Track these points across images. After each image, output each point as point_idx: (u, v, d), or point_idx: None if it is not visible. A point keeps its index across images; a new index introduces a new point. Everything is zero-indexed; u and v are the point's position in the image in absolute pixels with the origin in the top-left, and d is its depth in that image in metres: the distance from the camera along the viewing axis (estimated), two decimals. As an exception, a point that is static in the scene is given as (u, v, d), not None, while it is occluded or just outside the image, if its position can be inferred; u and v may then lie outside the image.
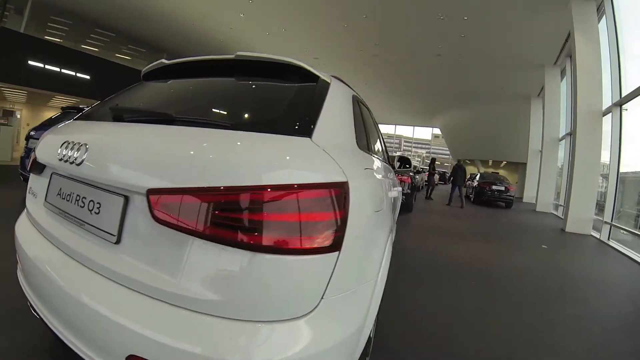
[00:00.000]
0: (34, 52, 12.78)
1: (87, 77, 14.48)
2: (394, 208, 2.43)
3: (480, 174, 15.50)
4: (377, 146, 2.46)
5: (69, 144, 1.22)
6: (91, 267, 1.06)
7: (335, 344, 0.96)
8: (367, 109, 2.32)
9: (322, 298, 0.95)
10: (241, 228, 0.87)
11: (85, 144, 1.15)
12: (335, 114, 1.32)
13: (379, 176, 1.66)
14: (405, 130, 53.49)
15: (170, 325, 0.88)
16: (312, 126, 1.11)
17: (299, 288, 0.91)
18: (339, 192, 0.99)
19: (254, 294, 0.88)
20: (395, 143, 59.67)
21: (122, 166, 1.05)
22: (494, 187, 13.52)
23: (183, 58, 1.62)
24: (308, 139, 1.06)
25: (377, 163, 1.84)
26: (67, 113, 5.44)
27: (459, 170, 11.51)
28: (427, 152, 56.52)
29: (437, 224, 7.47)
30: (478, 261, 4.60)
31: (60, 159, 1.22)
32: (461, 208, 11.18)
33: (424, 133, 58.20)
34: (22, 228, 1.43)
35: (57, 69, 13.53)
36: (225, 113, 1.34)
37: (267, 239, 0.87)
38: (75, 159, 1.15)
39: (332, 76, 1.54)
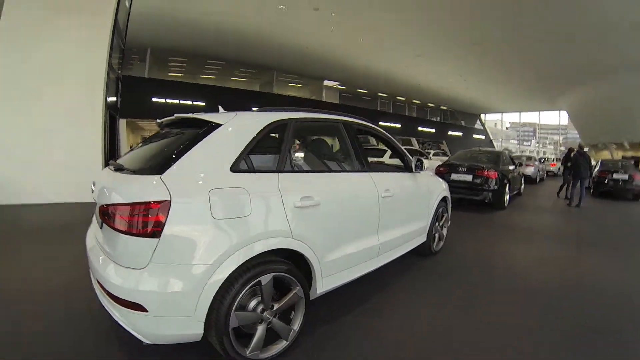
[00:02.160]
0: (156, 91, 15.75)
1: (203, 103, 16.84)
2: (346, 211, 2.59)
3: (600, 161, 12.76)
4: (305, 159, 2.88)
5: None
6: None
7: (164, 289, 1.71)
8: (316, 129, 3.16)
9: (150, 260, 1.70)
10: (121, 224, 1.74)
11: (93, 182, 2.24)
12: (200, 153, 1.93)
13: (258, 189, 2.02)
14: (541, 117, 46.30)
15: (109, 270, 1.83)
16: (166, 167, 1.82)
17: (141, 250, 1.71)
18: (156, 206, 1.70)
19: (124, 255, 1.78)
20: (529, 131, 53.55)
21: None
22: (615, 175, 11.08)
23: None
24: (157, 175, 1.78)
25: (264, 179, 2.12)
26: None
27: (580, 158, 8.78)
28: (564, 139, 47.40)
29: (537, 224, 6.48)
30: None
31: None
32: (577, 206, 8.72)
33: (555, 117, 49.78)
34: (89, 236, 2.31)
35: (177, 101, 16.27)
36: (141, 161, 2.11)
37: (121, 227, 1.73)
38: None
39: (252, 111, 2.29)
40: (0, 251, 4.03)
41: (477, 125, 38.02)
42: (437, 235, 4.19)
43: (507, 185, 7.69)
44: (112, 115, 9.42)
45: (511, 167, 8.60)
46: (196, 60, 18.79)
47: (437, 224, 4.13)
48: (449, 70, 19.82)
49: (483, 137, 36.69)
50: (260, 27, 13.71)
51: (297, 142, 3.39)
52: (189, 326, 1.77)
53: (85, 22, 7.54)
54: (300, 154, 2.88)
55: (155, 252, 1.70)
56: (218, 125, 2.07)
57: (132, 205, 1.71)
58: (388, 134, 3.63)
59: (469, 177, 7.45)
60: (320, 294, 2.38)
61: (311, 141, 3.22)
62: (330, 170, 2.76)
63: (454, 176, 7.61)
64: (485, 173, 7.23)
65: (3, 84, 7.03)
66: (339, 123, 2.88)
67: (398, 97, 28.30)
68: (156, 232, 1.69)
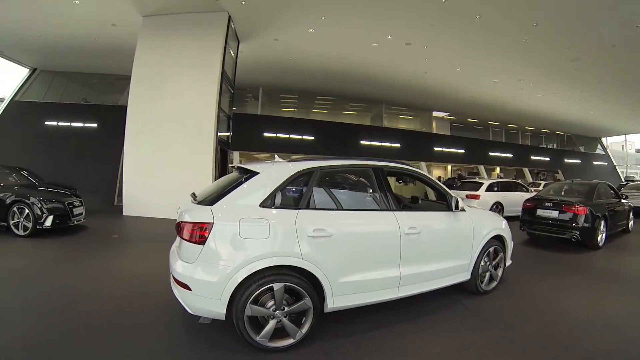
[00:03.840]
0: (268, 126, 17.74)
1: (312, 137, 18.38)
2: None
3: None
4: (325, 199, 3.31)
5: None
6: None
7: (203, 278, 2.59)
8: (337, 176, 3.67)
9: (197, 258, 2.60)
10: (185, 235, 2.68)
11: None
12: (241, 192, 2.82)
13: (277, 220, 2.75)
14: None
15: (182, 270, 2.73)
16: (216, 201, 2.77)
17: (193, 252, 2.62)
18: (205, 225, 2.61)
19: (184, 253, 2.71)
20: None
21: None
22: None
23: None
24: (208, 206, 2.71)
25: (285, 213, 2.82)
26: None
27: None
28: None
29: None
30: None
31: None
32: None
33: None
34: (173, 245, 3.23)
35: (287, 135, 18.03)
36: (206, 195, 3.04)
37: (184, 237, 2.69)
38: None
39: (287, 161, 3.19)
40: (129, 249, 5.99)
41: (599, 150, 32.29)
42: (488, 274, 4.14)
43: (603, 222, 6.83)
44: (223, 150, 11.39)
45: (613, 201, 7.62)
46: (307, 96, 20.26)
47: (487, 263, 4.11)
48: (557, 91, 17.78)
49: (605, 163, 31.13)
50: (363, 64, 14.45)
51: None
52: (216, 306, 2.59)
53: (198, 75, 9.76)
54: (323, 195, 3.33)
55: (200, 254, 2.63)
56: (256, 173, 2.95)
57: (192, 223, 2.67)
58: (426, 174, 3.95)
59: (554, 213, 6.87)
60: (333, 309, 2.90)
61: (336, 184, 3.70)
62: (349, 209, 3.27)
63: (540, 212, 7.10)
64: (573, 209, 6.59)
65: (138, 125, 9.74)
66: (368, 168, 3.40)
67: (510, 125, 26.14)
68: (202, 241, 2.61)
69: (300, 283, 2.70)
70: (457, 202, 3.69)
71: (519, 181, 13.57)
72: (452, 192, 3.82)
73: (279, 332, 2.71)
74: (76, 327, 3.06)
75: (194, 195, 3.13)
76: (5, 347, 2.66)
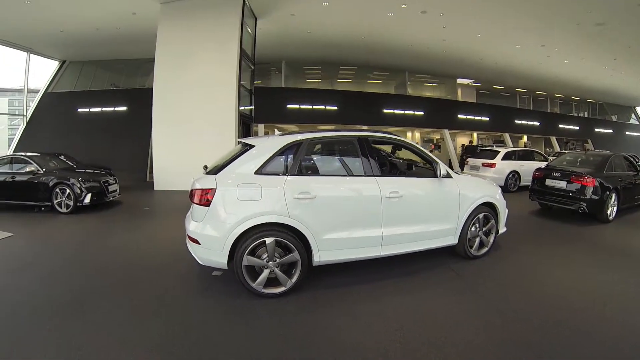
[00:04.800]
0: (291, 98, 17.97)
1: (335, 107, 18.43)
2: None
3: None
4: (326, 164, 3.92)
5: None
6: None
7: (208, 233, 3.19)
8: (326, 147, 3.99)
9: (204, 218, 3.18)
10: (195, 199, 3.24)
11: None
12: (239, 162, 3.33)
13: (268, 184, 3.24)
14: None
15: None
16: (220, 170, 3.34)
17: (200, 213, 3.20)
18: (210, 191, 3.17)
19: (195, 214, 3.26)
20: None
21: None
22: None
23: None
24: (213, 176, 3.27)
25: (275, 179, 3.29)
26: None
27: None
28: None
29: None
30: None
31: None
32: None
33: None
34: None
35: (310, 106, 18.19)
36: (214, 166, 3.57)
37: (195, 201, 3.26)
38: None
39: (280, 134, 3.61)
40: (157, 219, 6.83)
41: (633, 120, 30.30)
42: (477, 240, 4.34)
43: (615, 195, 6.65)
44: (246, 123, 11.91)
45: (629, 174, 7.35)
46: (330, 67, 20.22)
47: (477, 229, 4.30)
48: (584, 57, 16.83)
49: (639, 133, 29.27)
50: (380, 34, 14.35)
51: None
52: (219, 256, 3.17)
53: (217, 54, 10.29)
54: (311, 162, 3.78)
55: (207, 214, 3.21)
56: (251, 146, 3.46)
57: (200, 190, 3.23)
58: (414, 144, 4.23)
59: (563, 184, 6.81)
60: (320, 263, 3.38)
61: (322, 153, 4.05)
62: (332, 175, 3.71)
63: (549, 182, 7.06)
64: (581, 180, 6.48)
65: (163, 105, 10.48)
66: (354, 138, 3.76)
67: (538, 92, 24.98)
68: (208, 204, 3.19)
69: (289, 238, 3.20)
70: (442, 169, 3.94)
71: (538, 150, 13.28)
72: (438, 160, 4.06)
73: (273, 282, 3.25)
74: (115, 282, 3.75)
75: (205, 167, 3.66)
76: (64, 299, 3.34)
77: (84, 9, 11.22)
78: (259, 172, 3.28)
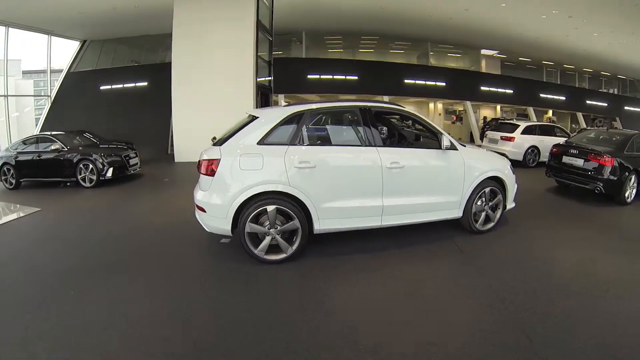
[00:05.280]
0: (312, 68, 17.86)
1: (356, 77, 18.20)
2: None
3: None
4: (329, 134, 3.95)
5: None
6: None
7: (213, 202, 3.38)
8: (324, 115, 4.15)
9: (209, 187, 3.35)
10: (202, 170, 3.39)
11: None
12: (243, 133, 3.44)
13: (270, 154, 3.37)
14: None
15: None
16: (224, 142, 3.47)
17: (206, 182, 3.37)
18: (214, 161, 3.32)
19: (201, 184, 3.44)
20: None
21: None
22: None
23: None
24: (218, 147, 3.41)
25: (277, 149, 3.41)
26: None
27: None
28: None
29: None
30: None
31: None
32: None
33: None
34: None
35: (330, 76, 18.06)
36: (220, 137, 3.66)
37: (202, 171, 3.41)
38: None
39: (284, 106, 3.68)
40: (176, 189, 7.15)
41: None
42: (483, 215, 4.27)
43: (635, 177, 6.22)
44: (264, 94, 12.01)
45: None
46: (351, 37, 19.82)
47: (483, 203, 4.22)
48: (615, 29, 15.77)
49: None
50: (399, 3, 14.04)
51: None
52: (223, 224, 3.36)
53: (234, 27, 10.34)
54: (312, 133, 3.84)
55: (212, 183, 3.37)
56: (256, 117, 3.58)
57: (207, 160, 3.38)
58: (418, 114, 4.18)
59: (580, 162, 6.47)
60: (320, 231, 3.52)
61: (324, 123, 4.15)
62: (333, 145, 3.77)
63: (566, 159, 6.77)
64: (599, 159, 6.14)
65: (182, 78, 10.71)
66: (356, 108, 3.80)
67: (566, 66, 23.69)
68: (213, 174, 3.34)
69: (289, 206, 3.34)
70: (447, 141, 3.86)
71: (560, 126, 12.79)
72: (443, 131, 4.00)
73: (275, 249, 3.42)
74: (135, 247, 4.16)
75: (214, 139, 3.77)
76: (101, 260, 3.76)
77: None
78: (261, 142, 3.41)
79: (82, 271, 3.47)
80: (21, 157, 7.96)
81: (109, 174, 7.72)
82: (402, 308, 2.73)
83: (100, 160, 7.66)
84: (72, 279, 3.29)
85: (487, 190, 4.19)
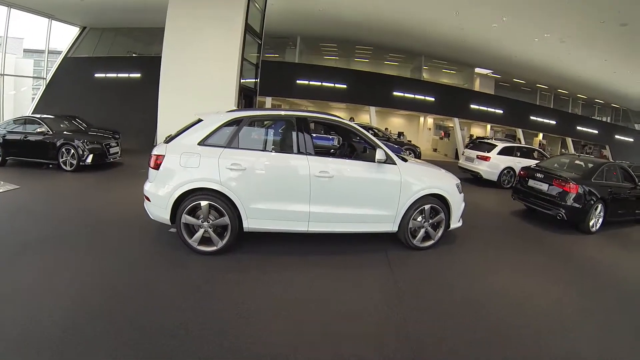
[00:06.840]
0: (302, 74, 18.19)
1: (345, 86, 18.56)
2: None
3: None
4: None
5: None
6: None
7: (156, 193, 3.73)
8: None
9: (155, 179, 3.75)
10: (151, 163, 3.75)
11: None
12: (188, 134, 3.82)
13: (206, 155, 3.67)
14: None
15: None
16: (171, 140, 3.85)
17: (153, 175, 3.75)
18: (160, 157, 3.70)
19: (149, 176, 3.78)
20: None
21: None
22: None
23: None
24: (166, 144, 3.80)
25: (213, 150, 3.70)
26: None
27: None
28: None
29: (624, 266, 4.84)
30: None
31: None
32: None
33: None
34: None
35: (319, 83, 18.38)
36: (172, 137, 3.96)
37: (150, 165, 3.77)
38: None
39: (226, 111, 4.00)
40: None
41: None
42: (422, 231, 4.27)
43: (601, 206, 6.27)
44: (248, 95, 12.28)
45: (623, 185, 6.85)
46: (346, 45, 20.21)
47: (422, 220, 4.24)
48: (608, 58, 16.09)
49: None
50: (393, 16, 14.31)
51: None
52: (164, 213, 3.71)
53: (223, 28, 10.55)
54: (248, 138, 4.12)
55: (157, 176, 3.73)
56: (200, 120, 3.91)
57: (155, 155, 3.74)
58: (354, 125, 4.34)
59: (544, 187, 6.48)
60: (249, 229, 3.80)
61: (260, 130, 4.49)
62: (266, 151, 4.14)
63: (531, 182, 6.78)
64: (562, 185, 6.16)
65: (170, 73, 11.01)
66: (292, 117, 4.03)
67: (560, 90, 24.04)
68: (158, 167, 3.70)
69: (221, 204, 3.64)
70: (381, 154, 3.90)
71: (540, 149, 13.02)
72: (381, 145, 4.04)
73: (207, 241, 3.73)
74: (91, 226, 4.58)
75: (167, 137, 4.05)
76: (58, 234, 4.21)
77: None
78: (201, 143, 3.74)
79: (36, 242, 3.87)
80: (9, 137, 8.20)
81: (89, 160, 7.98)
82: (296, 310, 2.91)
83: (82, 147, 7.91)
84: (24, 248, 3.70)
85: (427, 207, 4.19)
